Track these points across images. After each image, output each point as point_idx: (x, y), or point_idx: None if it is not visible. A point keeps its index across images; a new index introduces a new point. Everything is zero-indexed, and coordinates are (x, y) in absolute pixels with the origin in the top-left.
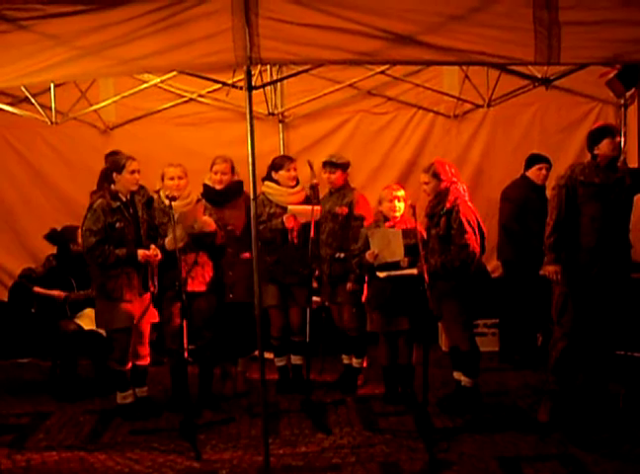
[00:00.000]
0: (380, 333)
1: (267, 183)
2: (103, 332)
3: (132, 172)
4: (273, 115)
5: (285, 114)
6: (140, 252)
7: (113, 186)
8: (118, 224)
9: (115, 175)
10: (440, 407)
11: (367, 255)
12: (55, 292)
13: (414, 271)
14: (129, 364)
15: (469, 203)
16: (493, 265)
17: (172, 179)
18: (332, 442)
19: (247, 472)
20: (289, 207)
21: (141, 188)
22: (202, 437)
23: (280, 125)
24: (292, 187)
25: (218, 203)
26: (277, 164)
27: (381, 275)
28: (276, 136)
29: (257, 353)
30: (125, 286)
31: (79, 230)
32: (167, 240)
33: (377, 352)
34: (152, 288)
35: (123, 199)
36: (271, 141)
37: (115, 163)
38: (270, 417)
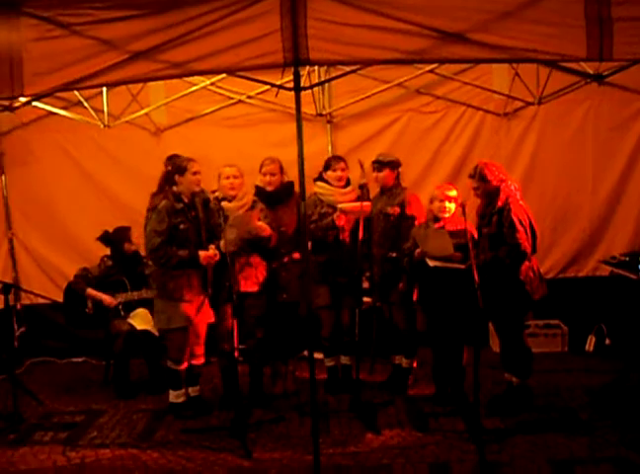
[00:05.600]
0: (431, 333)
1: (318, 183)
2: (155, 331)
3: (195, 173)
4: (321, 115)
5: (334, 114)
6: (202, 253)
7: (175, 187)
8: (182, 226)
9: (177, 177)
10: (491, 408)
11: (416, 253)
12: (106, 298)
13: (462, 266)
14: (185, 364)
15: (521, 202)
16: (547, 266)
17: (227, 178)
18: (381, 443)
19: (297, 471)
20: (339, 205)
21: (201, 190)
22: (253, 436)
23: (329, 126)
24: (343, 186)
25: (270, 205)
26: (326, 164)
27: (431, 263)
28: (324, 137)
29: (306, 352)
30: (186, 287)
31: (130, 231)
32: (222, 242)
33: (428, 352)
34: (209, 289)
35: (186, 201)
36: (319, 142)
37: (177, 166)
38: (319, 416)
